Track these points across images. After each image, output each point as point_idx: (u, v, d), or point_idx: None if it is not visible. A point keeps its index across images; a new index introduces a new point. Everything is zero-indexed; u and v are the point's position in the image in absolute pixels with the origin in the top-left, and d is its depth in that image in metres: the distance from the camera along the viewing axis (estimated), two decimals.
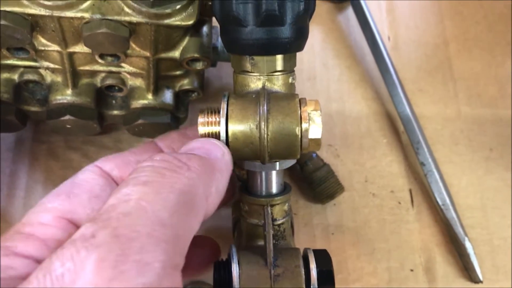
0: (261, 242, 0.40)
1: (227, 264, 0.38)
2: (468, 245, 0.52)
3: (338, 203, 0.54)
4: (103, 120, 0.47)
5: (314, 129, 0.36)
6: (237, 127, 0.35)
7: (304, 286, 0.37)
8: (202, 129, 0.36)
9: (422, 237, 0.54)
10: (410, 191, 0.55)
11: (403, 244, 0.53)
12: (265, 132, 0.35)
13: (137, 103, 0.45)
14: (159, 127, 0.47)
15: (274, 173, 0.40)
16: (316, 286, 0.37)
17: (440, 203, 0.53)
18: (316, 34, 0.61)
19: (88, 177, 0.35)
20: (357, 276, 0.51)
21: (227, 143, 0.36)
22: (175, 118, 0.48)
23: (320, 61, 0.60)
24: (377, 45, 0.58)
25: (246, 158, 0.36)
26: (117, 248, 0.23)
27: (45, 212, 0.31)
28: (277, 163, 0.39)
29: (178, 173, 0.29)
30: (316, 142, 0.36)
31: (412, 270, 0.52)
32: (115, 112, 0.47)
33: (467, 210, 0.55)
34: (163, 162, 0.29)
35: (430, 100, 0.60)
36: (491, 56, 0.63)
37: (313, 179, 0.51)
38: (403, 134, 0.57)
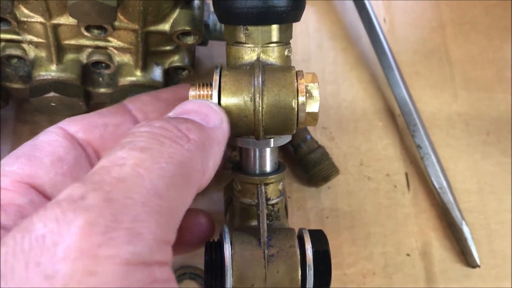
0: (255, 223, 0.39)
1: (219, 245, 0.37)
2: (465, 229, 0.51)
3: (332, 186, 0.52)
4: (89, 99, 0.46)
5: (312, 103, 0.34)
6: (230, 100, 0.34)
7: (299, 266, 0.36)
8: None
9: (418, 221, 0.52)
10: (406, 174, 0.54)
11: (399, 228, 0.52)
12: (260, 105, 0.33)
13: (125, 80, 0.44)
14: None
15: (268, 150, 0.38)
16: (312, 266, 0.36)
17: (437, 186, 0.52)
18: (310, 15, 0.59)
19: (50, 139, 0.32)
20: (352, 261, 0.50)
21: None
22: None
23: (314, 43, 0.58)
24: (374, 28, 0.57)
25: (240, 133, 0.35)
26: (108, 213, 0.22)
27: (3, 176, 0.29)
28: (272, 139, 0.37)
29: (178, 144, 0.27)
30: (313, 116, 0.35)
31: (408, 255, 0.51)
32: (102, 90, 0.45)
33: (464, 194, 0.54)
34: (162, 130, 0.27)
35: (426, 83, 0.58)
36: (488, 40, 0.62)
37: (307, 162, 0.50)
38: (399, 117, 0.56)
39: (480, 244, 0.53)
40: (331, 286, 0.43)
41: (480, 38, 0.62)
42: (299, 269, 0.36)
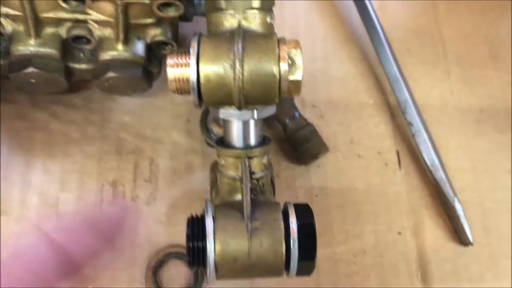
0: (239, 197, 0.38)
1: (201, 219, 0.36)
2: (458, 207, 0.50)
3: (322, 164, 0.51)
4: (71, 76, 0.44)
5: (294, 70, 0.33)
6: (209, 68, 0.32)
7: (283, 239, 0.35)
8: (171, 72, 0.33)
9: (410, 199, 0.51)
10: (398, 152, 0.53)
11: (390, 206, 0.51)
12: (240, 72, 0.32)
13: (106, 55, 0.42)
14: (131, 82, 0.44)
15: (252, 123, 0.37)
16: (296, 239, 0.35)
17: (428, 163, 0.51)
18: None
19: None
20: (342, 239, 0.49)
21: (198, 85, 0.33)
22: (148, 72, 0.45)
23: (303, 19, 0.57)
24: (364, 4, 0.56)
25: (220, 102, 0.34)
26: None
27: None
28: (255, 111, 0.36)
29: None
30: (296, 85, 0.33)
31: (399, 233, 0.50)
32: (83, 66, 0.44)
33: (457, 172, 0.53)
34: None
35: (418, 60, 0.57)
36: (481, 17, 0.61)
37: (295, 139, 0.49)
38: (390, 95, 0.55)
39: (473, 223, 0.52)
40: (318, 263, 0.43)
41: (473, 15, 0.60)
42: (283, 242, 0.35)
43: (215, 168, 0.41)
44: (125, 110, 0.49)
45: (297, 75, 0.33)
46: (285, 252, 0.35)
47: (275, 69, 0.32)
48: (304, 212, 0.36)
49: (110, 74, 0.43)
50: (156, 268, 0.44)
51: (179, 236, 0.46)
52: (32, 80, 0.43)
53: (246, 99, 0.33)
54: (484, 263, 0.51)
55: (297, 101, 0.51)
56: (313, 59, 0.55)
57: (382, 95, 0.55)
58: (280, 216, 0.36)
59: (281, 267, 0.35)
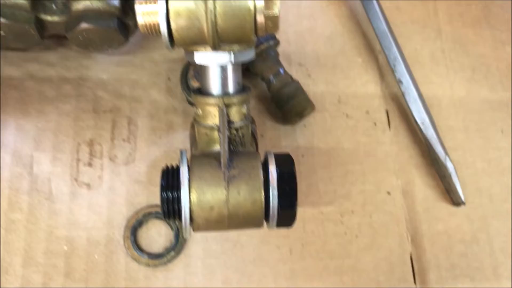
0: (217, 148, 0.36)
1: (176, 168, 0.34)
2: (449, 165, 0.48)
3: (308, 124, 0.49)
4: (43, 29, 0.42)
5: (271, 4, 0.31)
6: (179, 2, 0.31)
7: (262, 187, 0.33)
8: (139, 8, 0.32)
9: (400, 159, 0.50)
10: (387, 112, 0.51)
11: (379, 166, 0.49)
12: (213, 5, 0.30)
13: (79, 4, 0.40)
14: (106, 35, 0.42)
15: (229, 68, 0.35)
16: (276, 187, 0.33)
17: (418, 121, 0.49)
18: None
19: None
20: (329, 199, 0.47)
21: (168, 22, 0.31)
22: (123, 24, 0.43)
23: None
24: None
25: (193, 41, 0.32)
26: None
27: None
28: (232, 54, 0.34)
29: None
30: (273, 20, 0.32)
31: (389, 193, 0.48)
32: (56, 18, 0.42)
33: (448, 132, 0.52)
34: None
35: (408, 18, 0.55)
36: None
37: (280, 96, 0.47)
38: (379, 54, 0.53)
39: (466, 183, 0.50)
40: (304, 223, 0.41)
41: None
42: (262, 190, 0.33)
43: (194, 123, 0.40)
44: (103, 68, 0.47)
45: (274, 10, 0.31)
46: (264, 200, 0.33)
47: (250, 3, 0.30)
48: (285, 161, 0.35)
49: (84, 25, 0.41)
50: (135, 228, 0.43)
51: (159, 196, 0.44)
52: (2, 33, 0.41)
53: (220, 37, 0.31)
54: (476, 224, 0.49)
55: (283, 59, 0.49)
56: (299, 17, 0.53)
57: (371, 53, 0.53)
58: (259, 164, 0.34)
59: (260, 216, 0.34)
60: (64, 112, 0.45)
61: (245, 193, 0.33)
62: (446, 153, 0.49)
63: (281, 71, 0.47)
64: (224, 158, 0.33)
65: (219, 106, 0.35)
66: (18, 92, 0.45)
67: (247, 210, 0.33)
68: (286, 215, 0.34)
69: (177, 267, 0.43)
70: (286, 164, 0.34)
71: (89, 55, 0.47)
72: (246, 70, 0.48)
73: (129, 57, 0.48)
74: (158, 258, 0.42)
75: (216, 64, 0.34)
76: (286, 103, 0.47)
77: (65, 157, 0.44)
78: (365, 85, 0.52)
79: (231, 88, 0.36)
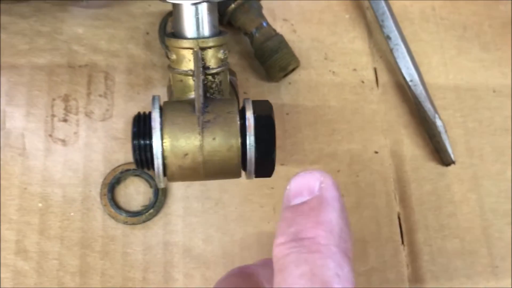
0: (193, 95, 0.34)
1: (148, 115, 0.33)
2: (439, 123, 0.47)
3: (293, 81, 0.48)
4: None
5: None
6: None
7: (238, 132, 0.32)
8: None
9: (388, 118, 0.48)
10: (375, 69, 0.50)
11: (366, 125, 0.48)
12: None
13: None
14: None
15: (204, 7, 0.33)
16: (253, 132, 0.31)
17: (407, 79, 0.48)
18: None
19: None
20: (314, 158, 0.46)
21: None
22: None
23: None
24: None
25: None
26: None
27: None
28: None
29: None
30: None
31: (376, 152, 0.47)
32: None
33: (438, 90, 0.50)
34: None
35: None
36: None
37: (263, 51, 0.45)
38: (367, 10, 0.51)
39: (456, 143, 0.49)
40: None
41: None
42: (239, 135, 0.32)
43: (169, 70, 0.38)
44: (78, 21, 0.45)
45: None
46: (241, 146, 0.32)
47: None
48: (263, 106, 0.33)
49: None
50: (112, 185, 0.41)
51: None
52: None
53: None
54: (466, 184, 0.48)
55: (267, 14, 0.47)
56: None
57: (359, 9, 0.51)
58: (236, 110, 0.33)
59: (237, 163, 0.32)
60: (38, 66, 0.43)
61: (221, 139, 0.31)
62: (435, 111, 0.47)
63: (264, 24, 0.45)
64: (198, 103, 0.32)
65: (193, 49, 0.33)
66: None
67: (223, 157, 0.32)
68: (264, 162, 0.32)
69: (156, 225, 0.42)
70: (264, 110, 0.33)
71: (64, 7, 0.45)
72: (227, 24, 0.46)
73: (106, 10, 0.46)
74: (137, 216, 0.41)
75: (190, 2, 0.32)
76: (269, 57, 0.45)
77: (39, 113, 0.42)
78: (352, 41, 0.50)
79: (206, 31, 0.34)
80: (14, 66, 0.43)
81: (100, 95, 0.44)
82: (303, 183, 0.27)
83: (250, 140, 0.31)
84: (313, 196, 0.26)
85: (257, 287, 0.29)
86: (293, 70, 0.46)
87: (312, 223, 0.25)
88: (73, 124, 0.43)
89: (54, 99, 0.43)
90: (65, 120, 0.43)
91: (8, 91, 0.42)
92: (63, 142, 0.42)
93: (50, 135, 0.42)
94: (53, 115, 0.42)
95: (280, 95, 0.47)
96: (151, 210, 0.41)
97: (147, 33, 0.46)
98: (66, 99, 0.43)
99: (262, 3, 0.46)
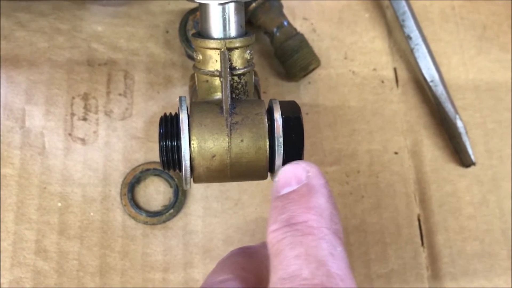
0: (218, 96, 0.34)
1: (175, 116, 0.32)
2: (459, 124, 0.46)
3: (313, 81, 0.47)
4: None
5: None
6: None
7: (267, 134, 0.31)
8: None
9: (408, 118, 0.48)
10: (395, 69, 0.49)
11: (386, 125, 0.47)
12: None
13: None
14: None
15: (231, 7, 0.33)
16: (281, 134, 0.31)
17: (428, 79, 0.47)
18: None
19: None
20: (334, 159, 0.45)
21: None
22: None
23: None
24: None
25: None
26: None
27: None
28: None
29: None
30: None
31: (396, 153, 0.47)
32: None
33: (458, 91, 0.50)
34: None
35: None
36: None
37: (284, 50, 0.45)
38: (387, 9, 0.50)
39: (476, 144, 0.48)
40: None
41: None
42: (267, 137, 0.31)
43: (194, 75, 0.38)
44: (97, 19, 0.45)
45: None
46: (269, 148, 0.31)
47: None
48: (291, 107, 0.33)
49: None
50: (132, 185, 0.41)
51: (158, 152, 0.42)
52: None
53: None
54: (486, 186, 0.48)
55: (287, 13, 0.46)
56: None
57: (378, 9, 0.51)
58: (264, 111, 0.32)
59: (264, 166, 0.32)
60: (57, 65, 0.43)
61: (249, 141, 0.31)
62: (456, 111, 0.47)
63: (285, 23, 0.45)
64: (226, 104, 0.31)
65: (220, 50, 0.33)
66: (8, 42, 0.43)
67: (251, 159, 0.31)
68: None
69: (176, 226, 0.41)
70: (292, 111, 0.32)
71: (83, 5, 0.45)
72: (248, 23, 0.45)
73: (125, 8, 0.45)
74: (157, 216, 0.41)
75: (217, 2, 0.32)
76: (290, 56, 0.45)
77: (59, 111, 0.42)
78: (372, 41, 0.49)
79: (233, 31, 0.34)
80: (33, 64, 0.42)
81: (119, 94, 0.43)
82: (291, 173, 0.28)
83: (279, 142, 0.31)
84: (301, 184, 0.27)
85: (260, 265, 0.29)
86: (313, 69, 0.46)
87: (303, 209, 0.26)
88: (92, 123, 0.42)
89: (73, 98, 0.42)
90: (84, 119, 0.42)
91: (28, 89, 0.42)
92: (83, 141, 0.42)
93: (70, 134, 0.42)
94: (72, 114, 0.42)
95: (300, 94, 0.47)
96: (171, 210, 0.41)
97: (167, 32, 0.45)
98: (85, 97, 0.43)
99: (282, 2, 0.45)
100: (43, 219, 0.40)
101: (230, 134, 0.31)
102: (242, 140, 0.31)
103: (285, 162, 0.32)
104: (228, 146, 0.31)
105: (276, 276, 0.24)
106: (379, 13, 0.51)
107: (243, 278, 0.28)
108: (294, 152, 0.31)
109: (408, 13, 0.48)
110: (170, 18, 0.46)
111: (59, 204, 0.40)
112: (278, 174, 0.28)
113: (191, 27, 0.44)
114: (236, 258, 0.31)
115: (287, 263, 0.24)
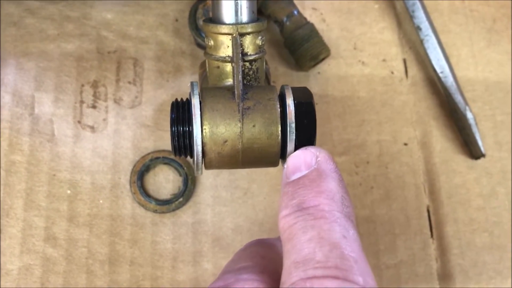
0: (229, 81, 0.34)
1: (187, 101, 0.32)
2: (469, 116, 0.46)
3: (322, 71, 0.47)
4: None
5: None
6: None
7: (279, 119, 0.31)
8: None
9: (417, 109, 0.48)
10: (404, 60, 0.49)
11: (395, 116, 0.47)
12: None
13: None
14: None
15: None
16: (293, 119, 0.31)
17: (438, 70, 0.47)
18: None
19: None
20: (343, 149, 0.45)
21: None
22: None
23: None
24: None
25: None
26: None
27: None
28: None
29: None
30: None
31: (406, 144, 0.46)
32: None
33: (467, 83, 0.49)
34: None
35: None
36: None
37: (294, 39, 0.44)
38: (397, 0, 0.50)
39: (485, 136, 0.48)
40: None
41: None
42: (279, 122, 0.31)
43: (204, 63, 0.38)
44: (107, 7, 0.44)
45: None
46: (281, 133, 0.31)
47: None
48: (303, 93, 0.32)
49: None
50: (142, 173, 0.41)
51: (167, 141, 0.42)
52: None
53: None
54: (495, 178, 0.47)
55: (296, 4, 0.46)
56: None
57: None
58: (276, 96, 0.32)
59: (276, 152, 0.32)
60: (67, 52, 0.43)
61: (261, 126, 0.31)
62: (466, 103, 0.47)
63: (295, 12, 0.45)
64: (238, 89, 0.31)
65: (232, 35, 0.33)
66: (18, 29, 0.42)
67: (262, 145, 0.31)
68: None
69: (186, 214, 0.41)
70: (304, 97, 0.32)
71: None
72: (258, 13, 0.45)
73: None
74: (166, 204, 0.41)
75: None
76: (299, 46, 0.44)
77: (68, 99, 0.42)
78: (381, 32, 0.49)
79: (245, 16, 0.33)
80: (43, 51, 0.42)
81: (129, 82, 0.43)
82: (300, 159, 0.28)
83: (291, 127, 0.31)
84: (311, 169, 0.27)
85: (278, 256, 0.29)
86: (323, 59, 0.46)
87: (314, 193, 0.26)
88: (102, 111, 0.42)
89: (83, 85, 0.42)
90: (94, 107, 0.42)
91: (37, 76, 0.42)
92: (92, 128, 0.42)
93: (79, 122, 0.42)
94: (81, 101, 0.42)
95: (309, 84, 0.47)
96: (181, 199, 0.41)
97: (176, 20, 0.45)
98: (95, 85, 0.42)
99: None
100: (52, 206, 0.40)
101: (242, 119, 0.31)
102: (254, 126, 0.31)
103: (296, 148, 0.31)
104: (240, 131, 0.31)
105: (289, 260, 0.24)
106: (389, 3, 0.50)
107: (263, 266, 0.27)
108: (306, 137, 0.31)
109: (418, 4, 0.48)
110: (179, 7, 0.45)
111: (68, 192, 0.40)
112: (287, 160, 0.28)
113: (201, 16, 0.43)
114: (255, 248, 0.30)
115: (300, 247, 0.24)
